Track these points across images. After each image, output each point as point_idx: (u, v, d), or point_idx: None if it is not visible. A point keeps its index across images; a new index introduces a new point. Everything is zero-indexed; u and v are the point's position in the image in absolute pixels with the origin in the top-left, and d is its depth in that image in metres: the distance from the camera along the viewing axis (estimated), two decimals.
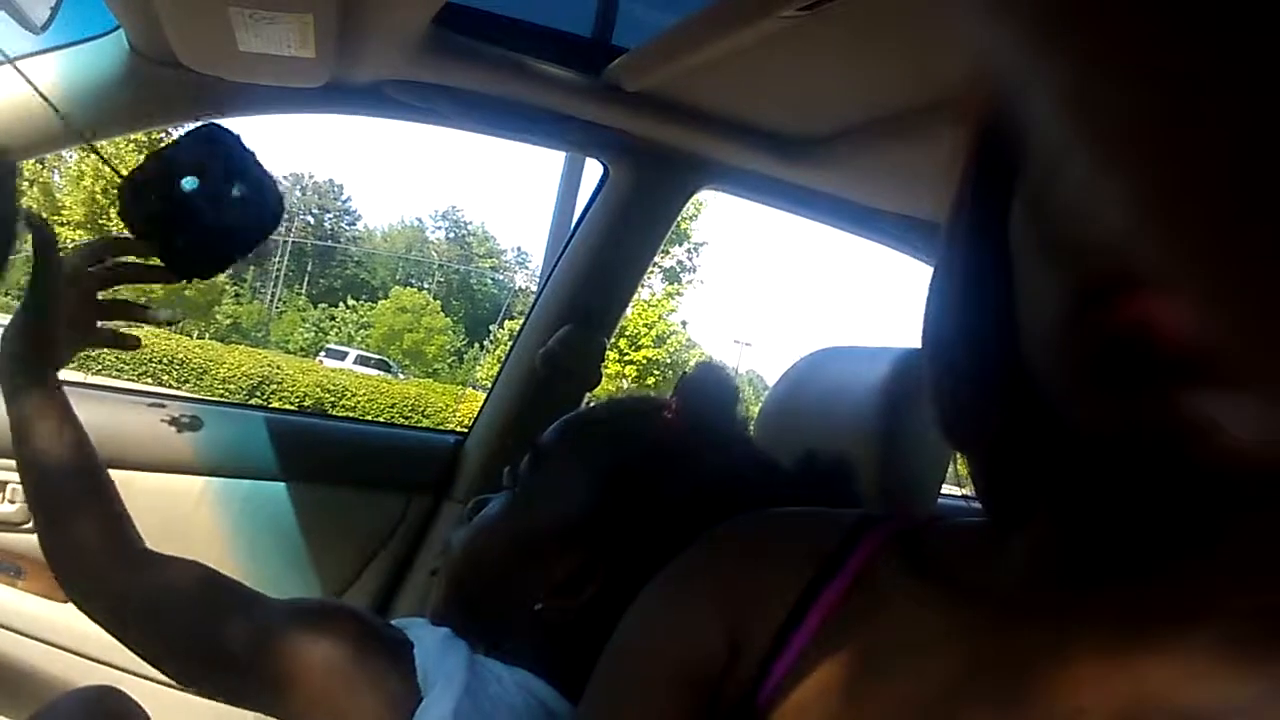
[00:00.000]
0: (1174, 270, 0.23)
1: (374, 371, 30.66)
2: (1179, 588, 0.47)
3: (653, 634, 0.71)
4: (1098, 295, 0.45)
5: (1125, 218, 0.23)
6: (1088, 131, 0.21)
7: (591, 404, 1.19)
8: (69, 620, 1.78)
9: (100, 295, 1.25)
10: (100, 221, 25.35)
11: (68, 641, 1.77)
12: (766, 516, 0.76)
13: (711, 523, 0.89)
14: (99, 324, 1.28)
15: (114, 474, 1.83)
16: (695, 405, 1.05)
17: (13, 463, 1.76)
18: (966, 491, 0.65)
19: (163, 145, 1.21)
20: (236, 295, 53.06)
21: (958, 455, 0.66)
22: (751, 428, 1.20)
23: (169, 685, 1.81)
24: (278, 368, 23.98)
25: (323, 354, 37.17)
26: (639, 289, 2.12)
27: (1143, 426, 0.44)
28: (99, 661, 1.79)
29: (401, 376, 33.41)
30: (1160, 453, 0.45)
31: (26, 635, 1.74)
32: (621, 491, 1.00)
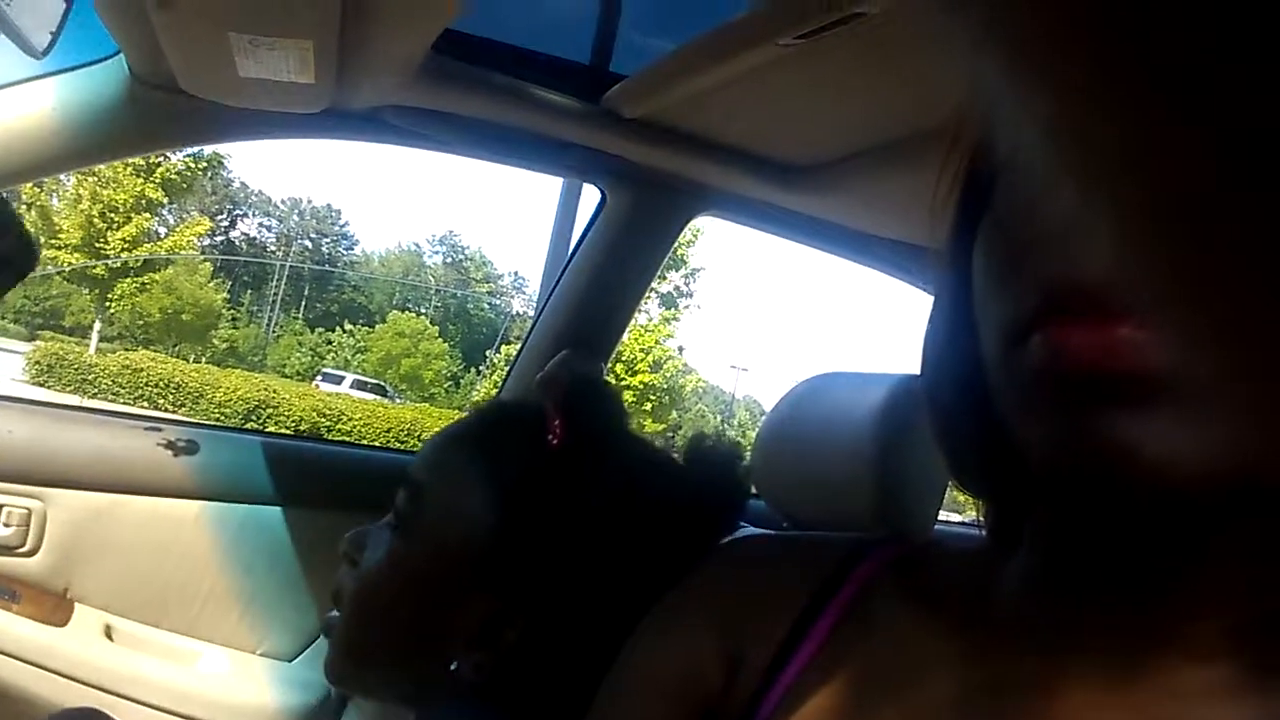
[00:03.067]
0: (1142, 293, 0.24)
1: (370, 396, 30.70)
2: (1165, 611, 0.47)
3: (651, 659, 0.71)
4: (1023, 330, 0.46)
5: (1105, 243, 0.24)
6: (1069, 162, 0.22)
7: (457, 420, 1.09)
8: (63, 644, 1.77)
9: None
10: (97, 244, 25.42)
11: (61, 666, 1.76)
12: (763, 541, 0.77)
13: (630, 530, 0.88)
14: None
15: (110, 497, 1.84)
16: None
17: (8, 486, 1.78)
18: (964, 517, 0.66)
19: None
20: (233, 319, 53.15)
21: (954, 483, 0.67)
22: (749, 454, 1.19)
23: (157, 708, 1.81)
24: (274, 392, 24.00)
25: (319, 378, 37.21)
26: (636, 314, 2.11)
27: (1070, 451, 0.45)
28: (91, 685, 1.78)
29: (398, 401, 33.42)
30: (1094, 477, 0.45)
31: (21, 660, 1.73)
32: (520, 518, 0.90)
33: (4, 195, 1.16)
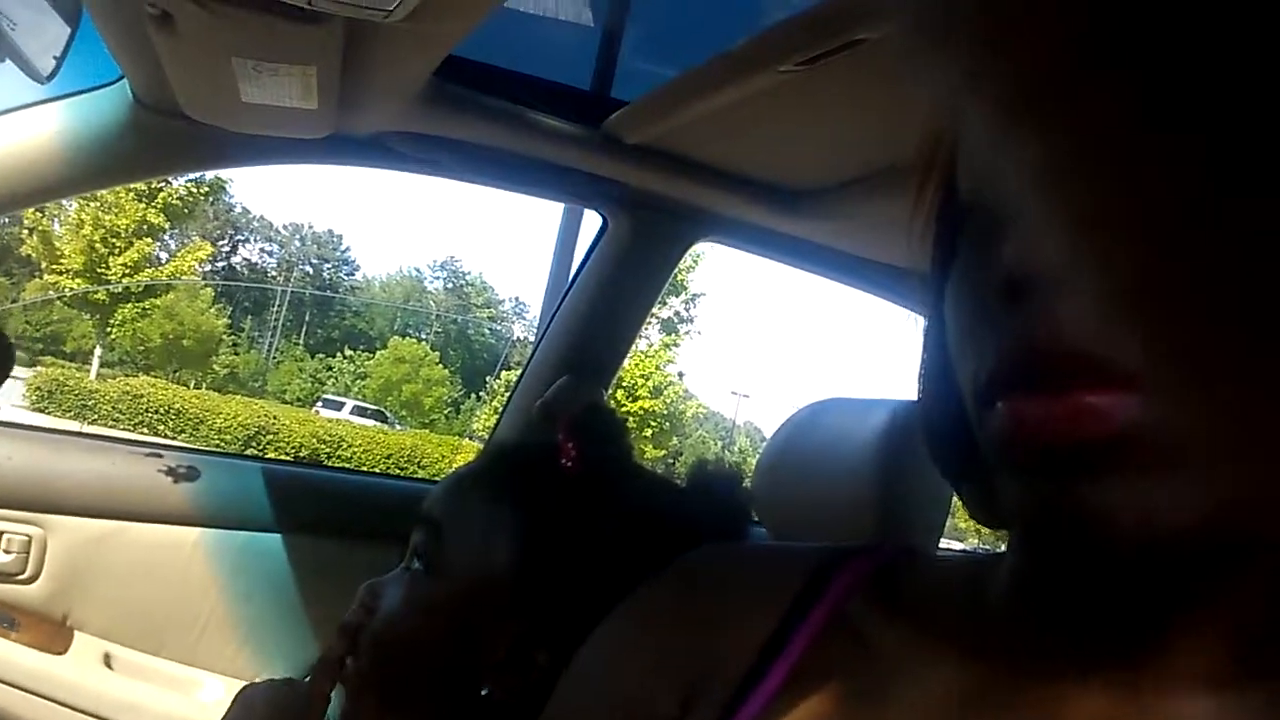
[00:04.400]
0: (1124, 352, 0.24)
1: (370, 422, 30.67)
2: (1155, 646, 0.47)
3: (603, 676, 0.67)
4: (988, 395, 0.46)
5: (1091, 300, 0.24)
6: (1063, 208, 0.22)
7: (468, 462, 1.13)
8: (62, 672, 1.77)
9: None
10: (99, 270, 25.45)
11: (62, 695, 1.75)
12: (730, 553, 0.72)
13: (639, 553, 0.86)
14: None
15: (110, 524, 1.84)
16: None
17: (7, 512, 1.77)
18: (965, 545, 0.64)
19: None
20: (234, 345, 53.21)
21: (956, 509, 0.66)
22: (749, 480, 1.19)
23: None
24: (274, 418, 24.00)
25: (319, 404, 37.21)
26: (637, 340, 2.12)
27: (1043, 515, 0.45)
28: (93, 715, 1.77)
29: (398, 427, 33.38)
30: (1069, 539, 0.45)
31: (19, 688, 1.72)
32: (543, 545, 0.95)
33: None
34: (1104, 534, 0.42)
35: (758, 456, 1.36)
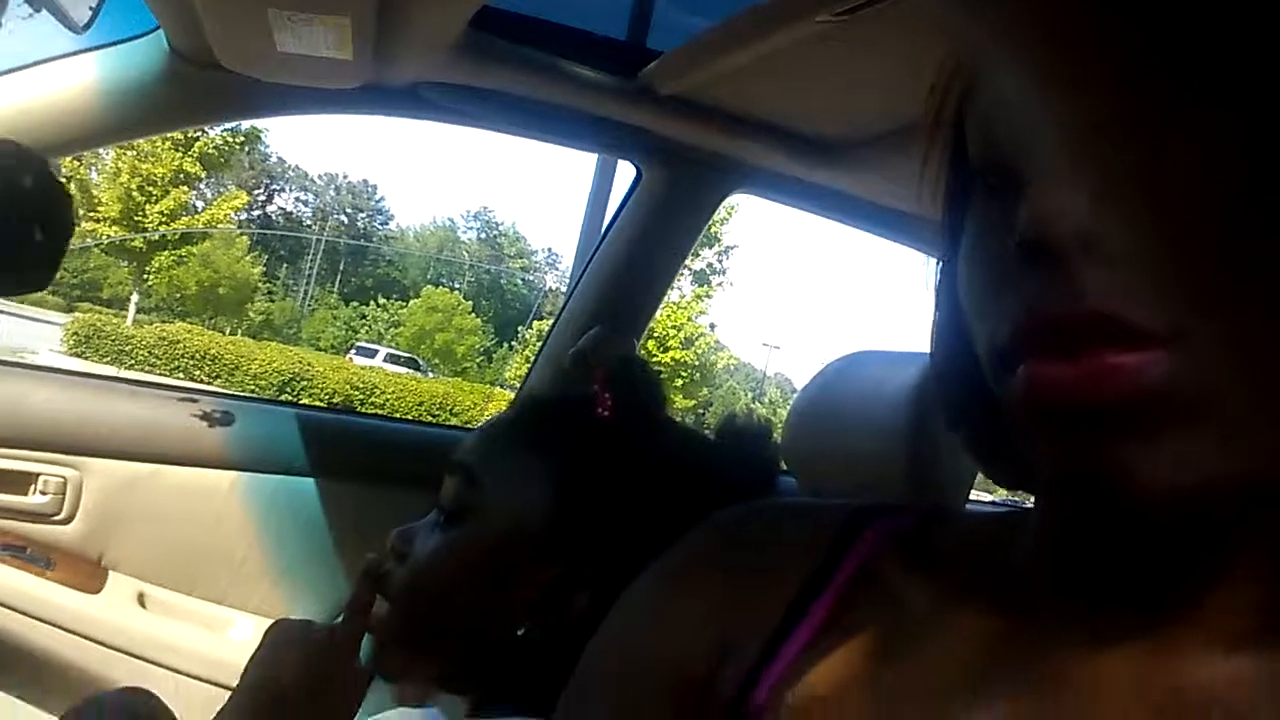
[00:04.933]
0: (1155, 310, 0.23)
1: (403, 370, 30.81)
2: (1185, 604, 0.47)
3: (638, 634, 0.67)
4: (1008, 358, 0.45)
5: (1121, 258, 0.24)
6: (1097, 168, 0.22)
7: (503, 411, 1.13)
8: (97, 612, 1.80)
9: None
10: (135, 218, 25.60)
11: (96, 633, 1.79)
12: (760, 508, 0.72)
13: (672, 503, 0.88)
14: None
15: (145, 467, 1.87)
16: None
17: (45, 455, 1.80)
18: (995, 497, 0.64)
19: None
20: (269, 293, 53.52)
21: None
22: (779, 433, 1.20)
23: (188, 675, 1.84)
24: (308, 365, 24.18)
25: (353, 351, 37.36)
26: (669, 291, 2.12)
27: (1069, 476, 0.45)
28: (126, 653, 1.81)
29: (430, 375, 33.55)
30: (1096, 499, 0.45)
31: (56, 626, 1.76)
32: (580, 489, 0.97)
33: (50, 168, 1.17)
34: (1130, 493, 0.42)
35: (788, 408, 1.36)
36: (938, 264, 0.60)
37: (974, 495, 1.27)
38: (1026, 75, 0.22)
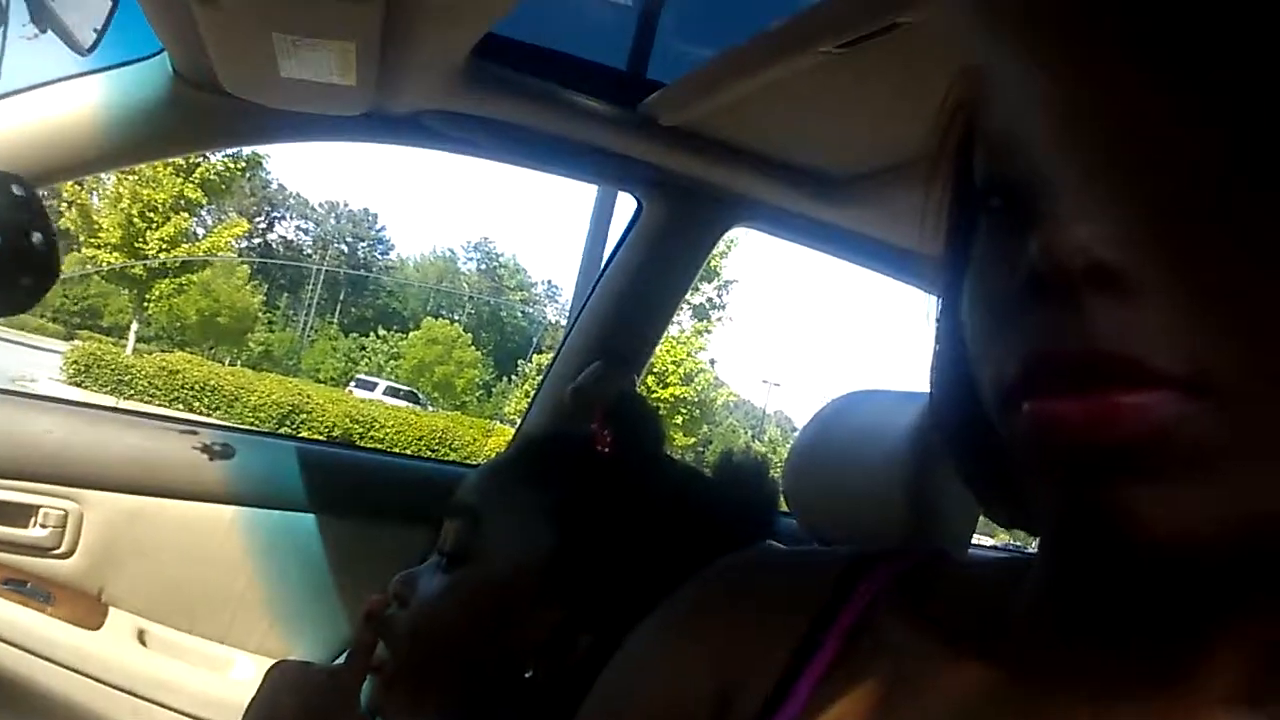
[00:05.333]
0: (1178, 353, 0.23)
1: (403, 403, 30.80)
2: (1183, 654, 0.46)
3: (641, 681, 0.67)
4: (1014, 396, 0.44)
5: (1149, 298, 0.23)
6: (1126, 201, 0.21)
7: (502, 452, 1.14)
8: (96, 648, 1.79)
9: None
10: (136, 244, 25.65)
11: (95, 669, 1.77)
12: (758, 558, 0.72)
13: (672, 542, 0.89)
14: None
15: (145, 501, 1.85)
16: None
17: (45, 486, 1.79)
18: (996, 541, 0.63)
19: None
20: (269, 323, 53.59)
21: None
22: (780, 471, 1.20)
23: (188, 715, 1.82)
24: (308, 397, 24.15)
25: (353, 384, 37.37)
26: (669, 326, 2.11)
27: (1075, 520, 0.44)
28: (128, 692, 1.79)
29: (430, 409, 33.54)
30: (1101, 543, 0.44)
31: (54, 662, 1.74)
32: (579, 529, 0.96)
33: (36, 192, 1.17)
34: (1136, 537, 0.41)
35: (788, 446, 1.35)
36: (939, 298, 0.59)
37: (975, 539, 1.25)
38: (1042, 102, 0.21)
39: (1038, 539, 0.57)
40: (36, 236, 1.17)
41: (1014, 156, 0.46)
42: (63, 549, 1.81)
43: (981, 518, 1.20)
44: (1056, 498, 0.44)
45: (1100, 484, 0.41)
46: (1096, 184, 0.22)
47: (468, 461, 6.35)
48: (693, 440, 28.85)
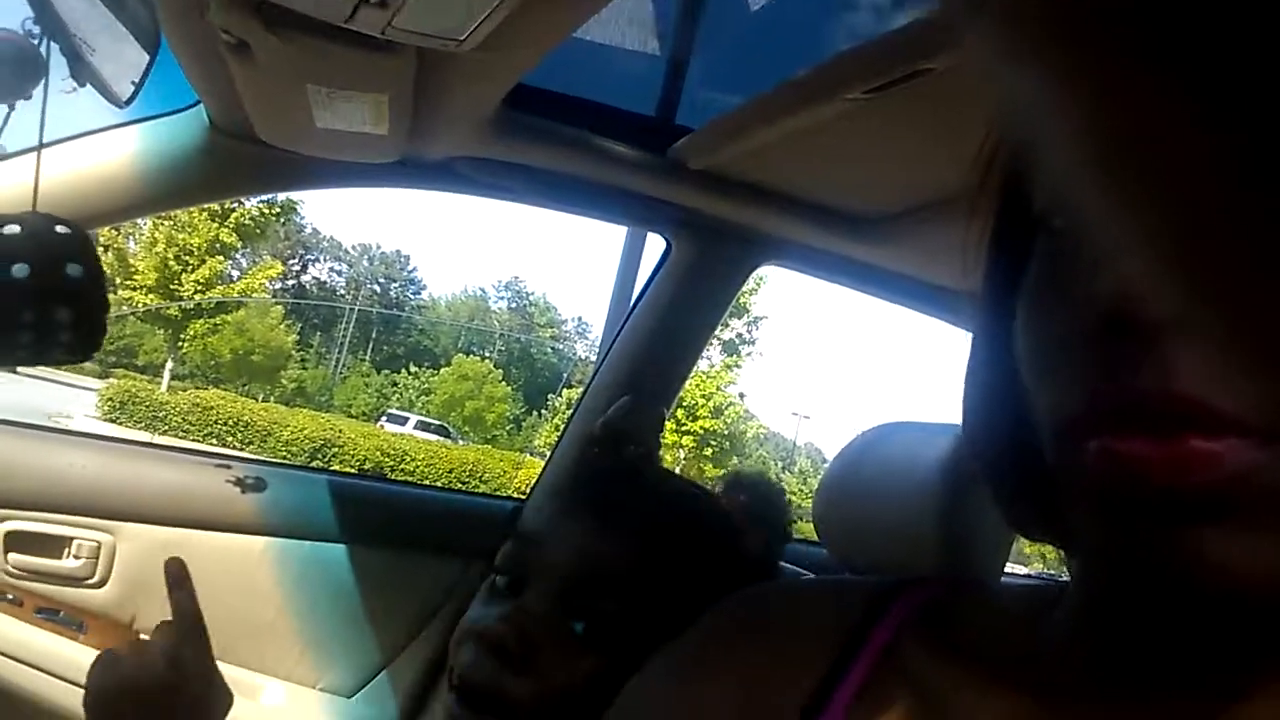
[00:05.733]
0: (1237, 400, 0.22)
1: (434, 437, 30.85)
2: (1225, 694, 0.45)
3: (662, 714, 0.66)
4: (1079, 430, 0.43)
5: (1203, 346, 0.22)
6: (1178, 252, 0.21)
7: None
8: None
9: None
10: (171, 286, 25.91)
11: None
12: (783, 589, 0.71)
13: (672, 559, 0.91)
14: None
15: (178, 532, 1.87)
16: (763, 515, 1.06)
17: (79, 519, 1.81)
18: (1029, 570, 0.61)
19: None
20: (302, 361, 53.86)
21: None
22: (812, 503, 1.20)
23: None
24: (340, 432, 24.26)
25: (384, 419, 37.47)
26: (698, 361, 2.12)
27: (1136, 564, 0.43)
28: None
29: (461, 442, 33.57)
30: (1160, 587, 0.43)
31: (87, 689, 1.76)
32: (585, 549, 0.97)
33: (83, 231, 1.19)
34: (1200, 583, 0.40)
35: (819, 478, 1.35)
36: (976, 325, 0.58)
37: (1009, 568, 1.25)
38: (1106, 174, 0.21)
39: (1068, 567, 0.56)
40: (74, 269, 1.19)
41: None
42: (96, 579, 1.82)
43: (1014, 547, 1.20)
44: (1117, 536, 0.43)
45: (1165, 528, 0.40)
46: (1162, 238, 0.22)
47: (498, 494, 6.35)
48: (722, 471, 28.70)
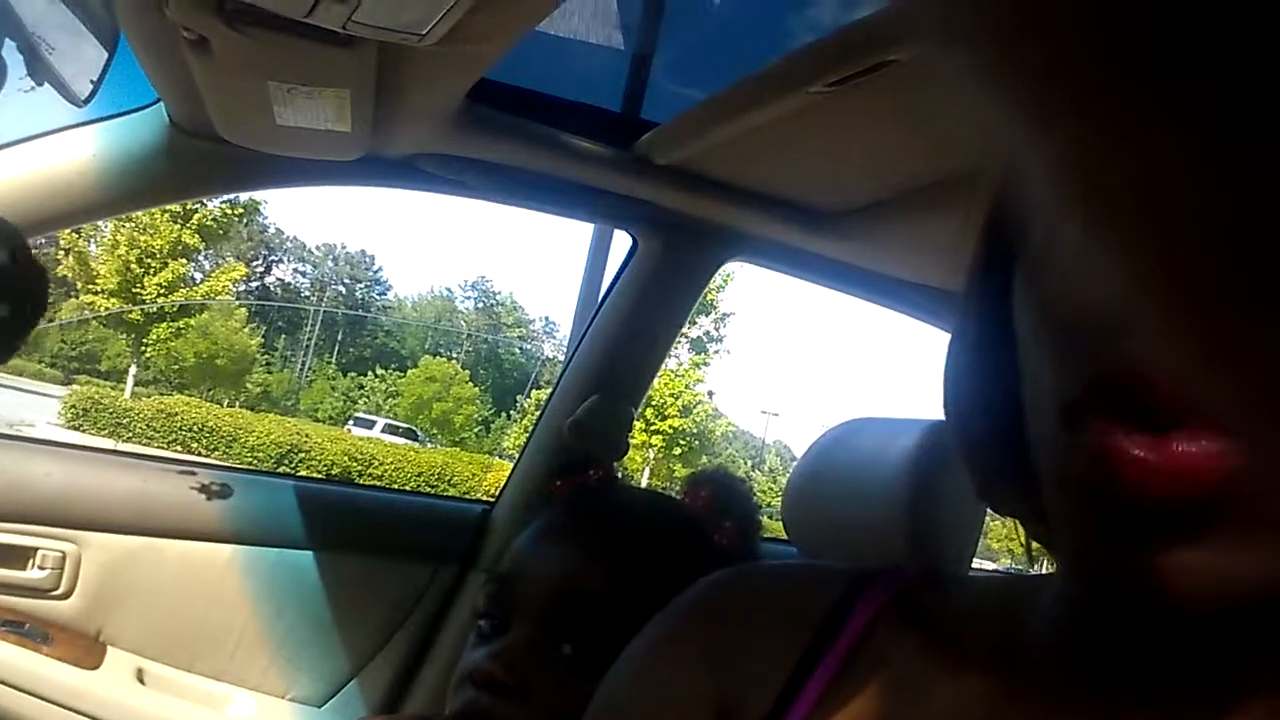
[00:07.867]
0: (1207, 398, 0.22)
1: (402, 440, 30.76)
2: (1207, 694, 0.45)
3: (635, 703, 0.66)
4: (1076, 416, 0.42)
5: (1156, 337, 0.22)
6: (1091, 205, 0.20)
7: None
8: (96, 688, 1.78)
9: None
10: (133, 290, 25.70)
11: (95, 710, 1.76)
12: (754, 573, 0.71)
13: (638, 552, 0.93)
14: None
15: (143, 541, 1.85)
16: (744, 523, 1.09)
17: (43, 529, 1.79)
18: (997, 566, 0.61)
19: None
20: (267, 364, 53.54)
21: (987, 529, 0.63)
22: (780, 499, 1.21)
23: None
24: (306, 436, 24.11)
25: (351, 423, 37.33)
26: (666, 359, 2.12)
27: (1115, 573, 0.43)
28: None
29: (429, 445, 33.47)
30: (1138, 596, 0.43)
31: (53, 702, 1.74)
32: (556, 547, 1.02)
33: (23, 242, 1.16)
34: (1181, 592, 0.40)
35: (788, 475, 1.35)
36: (961, 305, 0.57)
37: (976, 564, 1.25)
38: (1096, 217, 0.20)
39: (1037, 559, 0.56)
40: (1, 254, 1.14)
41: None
42: (61, 590, 1.80)
43: (981, 542, 1.21)
44: (1099, 539, 0.43)
45: (1152, 535, 0.40)
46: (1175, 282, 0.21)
47: (467, 497, 6.40)
48: (691, 471, 28.73)
